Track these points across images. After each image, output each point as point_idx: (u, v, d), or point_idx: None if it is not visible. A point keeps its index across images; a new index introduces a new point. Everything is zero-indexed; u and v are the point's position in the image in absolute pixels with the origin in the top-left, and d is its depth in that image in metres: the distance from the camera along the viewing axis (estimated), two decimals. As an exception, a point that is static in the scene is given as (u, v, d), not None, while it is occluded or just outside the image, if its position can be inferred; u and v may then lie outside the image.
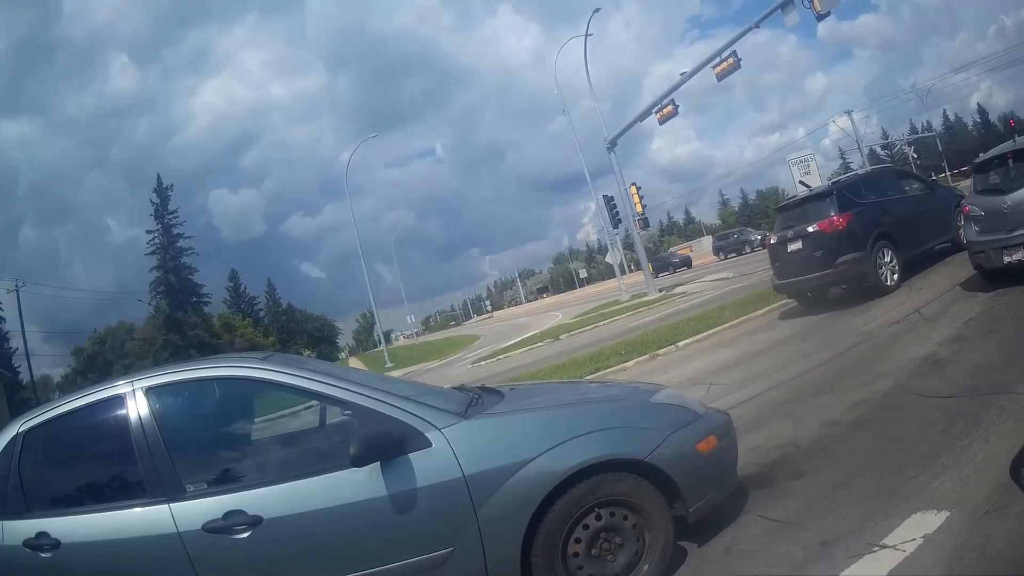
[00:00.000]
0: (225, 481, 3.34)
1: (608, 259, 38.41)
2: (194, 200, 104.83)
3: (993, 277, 8.36)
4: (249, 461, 3.65)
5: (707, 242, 61.69)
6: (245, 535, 3.10)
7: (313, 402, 3.81)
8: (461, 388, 4.47)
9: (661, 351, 11.86)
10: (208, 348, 56.24)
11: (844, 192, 11.42)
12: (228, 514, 3.12)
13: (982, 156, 9.48)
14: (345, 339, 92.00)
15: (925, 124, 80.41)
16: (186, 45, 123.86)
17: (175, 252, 64.71)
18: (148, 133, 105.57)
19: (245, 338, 64.87)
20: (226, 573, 3.16)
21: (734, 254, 45.47)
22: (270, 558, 3.16)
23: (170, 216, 64.92)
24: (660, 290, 28.15)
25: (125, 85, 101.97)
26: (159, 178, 65.92)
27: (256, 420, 4.19)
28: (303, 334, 77.62)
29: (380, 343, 51.29)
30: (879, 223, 10.97)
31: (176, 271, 64.22)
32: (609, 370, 11.43)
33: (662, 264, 49.62)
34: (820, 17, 23.21)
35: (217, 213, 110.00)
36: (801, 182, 18.69)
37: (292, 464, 3.75)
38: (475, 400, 3.87)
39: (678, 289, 27.27)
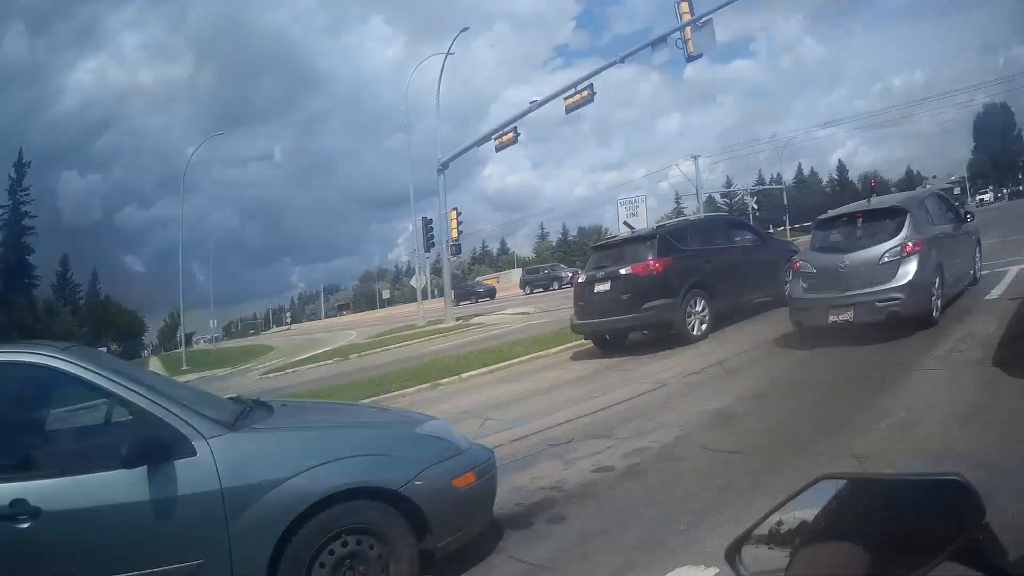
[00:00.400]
0: (13, 469, 3.43)
1: (413, 282, 38.53)
2: (46, 179, 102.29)
3: (812, 335, 8.65)
4: (39, 451, 3.76)
5: (517, 274, 62.98)
6: (25, 525, 3.18)
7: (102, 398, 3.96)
8: (237, 399, 4.71)
9: (444, 381, 11.86)
10: (30, 332, 57.15)
11: (667, 237, 11.67)
12: (14, 502, 3.19)
13: (830, 212, 9.97)
14: (151, 337, 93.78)
15: (775, 176, 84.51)
16: (77, 19, 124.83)
17: (18, 230, 66.50)
18: (21, 105, 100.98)
19: (63, 326, 66.17)
20: (6, 561, 3.24)
21: (541, 289, 46.70)
22: (44, 551, 3.27)
23: (23, 193, 66.85)
24: (457, 319, 28.48)
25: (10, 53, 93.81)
26: (20, 153, 67.61)
27: (52, 410, 4.25)
28: (114, 327, 78.92)
29: (181, 345, 51.88)
30: (697, 271, 11.30)
31: (15, 249, 66.26)
32: (388, 395, 11.27)
33: (465, 292, 50.31)
34: (691, 58, 24.10)
35: (63, 195, 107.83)
36: (625, 223, 19.30)
37: (76, 458, 3.80)
38: (245, 412, 4.05)
39: (476, 319, 27.66)
